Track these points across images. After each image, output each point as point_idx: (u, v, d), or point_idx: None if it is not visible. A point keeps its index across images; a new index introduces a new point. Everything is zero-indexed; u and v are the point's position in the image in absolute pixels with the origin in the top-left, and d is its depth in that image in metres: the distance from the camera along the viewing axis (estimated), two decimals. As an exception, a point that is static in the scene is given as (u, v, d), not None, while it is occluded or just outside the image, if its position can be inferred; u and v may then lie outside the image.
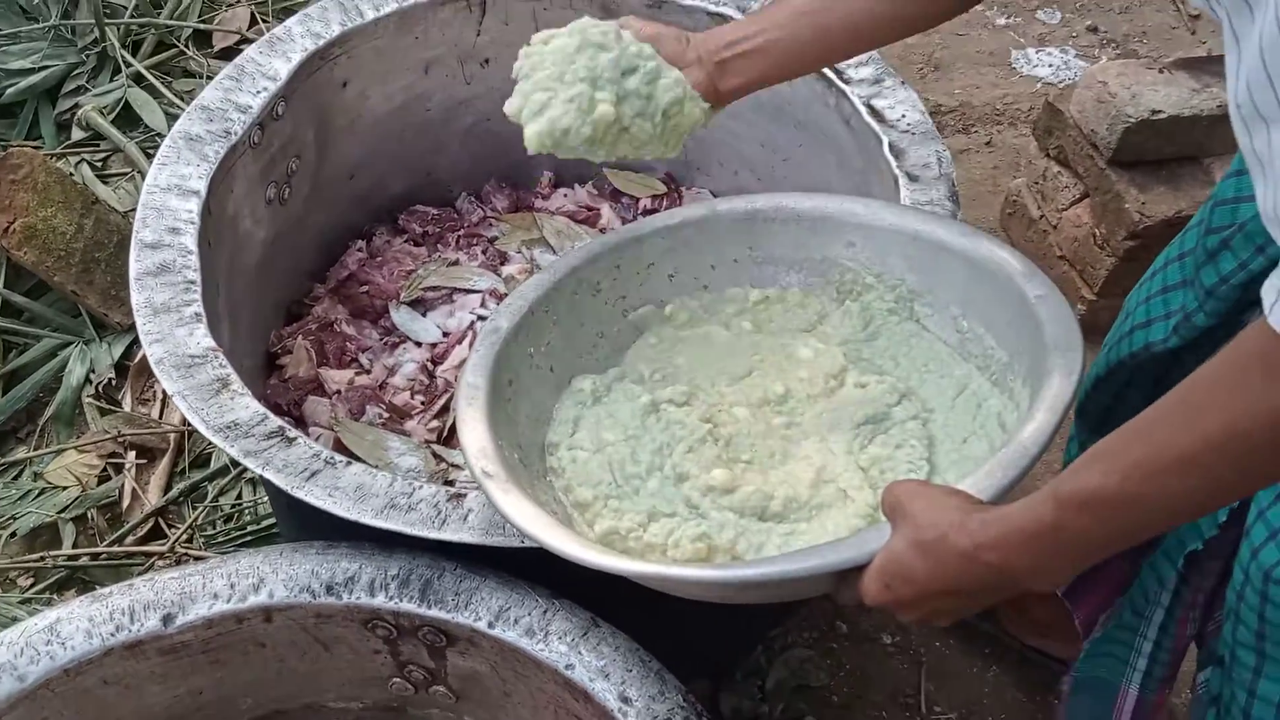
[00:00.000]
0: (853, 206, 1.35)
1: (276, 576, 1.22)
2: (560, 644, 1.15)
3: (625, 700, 1.12)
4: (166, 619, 1.20)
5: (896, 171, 1.50)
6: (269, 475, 1.21)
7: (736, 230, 1.38)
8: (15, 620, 1.64)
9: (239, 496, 1.95)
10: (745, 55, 1.19)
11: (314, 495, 1.20)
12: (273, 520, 1.89)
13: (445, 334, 1.79)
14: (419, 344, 1.79)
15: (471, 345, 1.72)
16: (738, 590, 1.03)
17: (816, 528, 1.14)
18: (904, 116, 1.57)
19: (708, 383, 1.31)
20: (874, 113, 1.58)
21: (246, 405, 1.28)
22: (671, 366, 1.34)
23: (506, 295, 1.81)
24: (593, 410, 1.29)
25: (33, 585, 1.86)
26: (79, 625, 1.19)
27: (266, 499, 1.92)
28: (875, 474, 1.17)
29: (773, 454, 1.22)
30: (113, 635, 1.19)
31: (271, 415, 1.27)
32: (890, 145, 1.53)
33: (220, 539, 1.89)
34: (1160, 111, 2.02)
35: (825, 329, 1.36)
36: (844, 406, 1.25)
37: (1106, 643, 1.30)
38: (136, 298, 1.36)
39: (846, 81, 1.62)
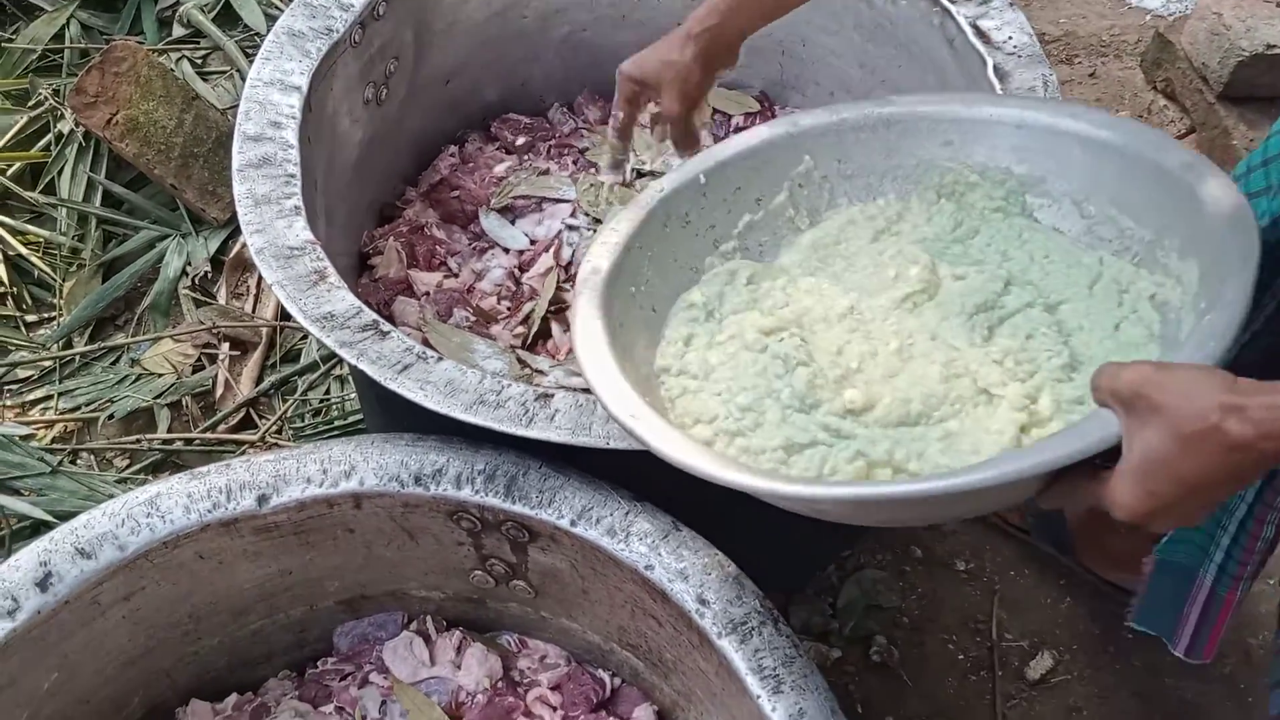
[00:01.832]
0: (948, 103, 1.29)
1: (367, 465, 1.25)
2: (640, 545, 1.17)
3: (703, 602, 1.14)
4: (261, 499, 1.24)
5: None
6: (363, 366, 1.24)
7: (823, 144, 1.32)
8: (113, 498, 1.70)
9: (327, 392, 2.00)
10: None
11: (406, 388, 1.22)
12: (359, 416, 1.93)
13: (533, 241, 1.81)
14: (507, 250, 1.81)
15: (557, 253, 1.74)
16: (949, 504, 0.97)
17: (973, 426, 1.07)
18: (1010, 39, 1.54)
19: (809, 303, 1.24)
20: (980, 34, 1.55)
21: (343, 298, 1.31)
22: (769, 293, 1.27)
23: (590, 211, 1.83)
24: (705, 327, 1.23)
25: (129, 466, 1.93)
26: (178, 500, 1.24)
27: (354, 395, 1.97)
28: (1012, 366, 1.10)
29: (889, 362, 1.16)
30: (209, 512, 1.23)
31: (366, 309, 1.30)
32: (995, 68, 1.50)
33: (308, 432, 1.94)
34: (1276, 46, 1.95)
35: (901, 227, 1.30)
36: (948, 301, 1.19)
37: (1189, 529, 1.29)
38: (239, 189, 1.38)
39: (953, 1, 1.58)
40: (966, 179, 1.28)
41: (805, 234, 1.32)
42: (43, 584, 1.18)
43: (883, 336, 1.18)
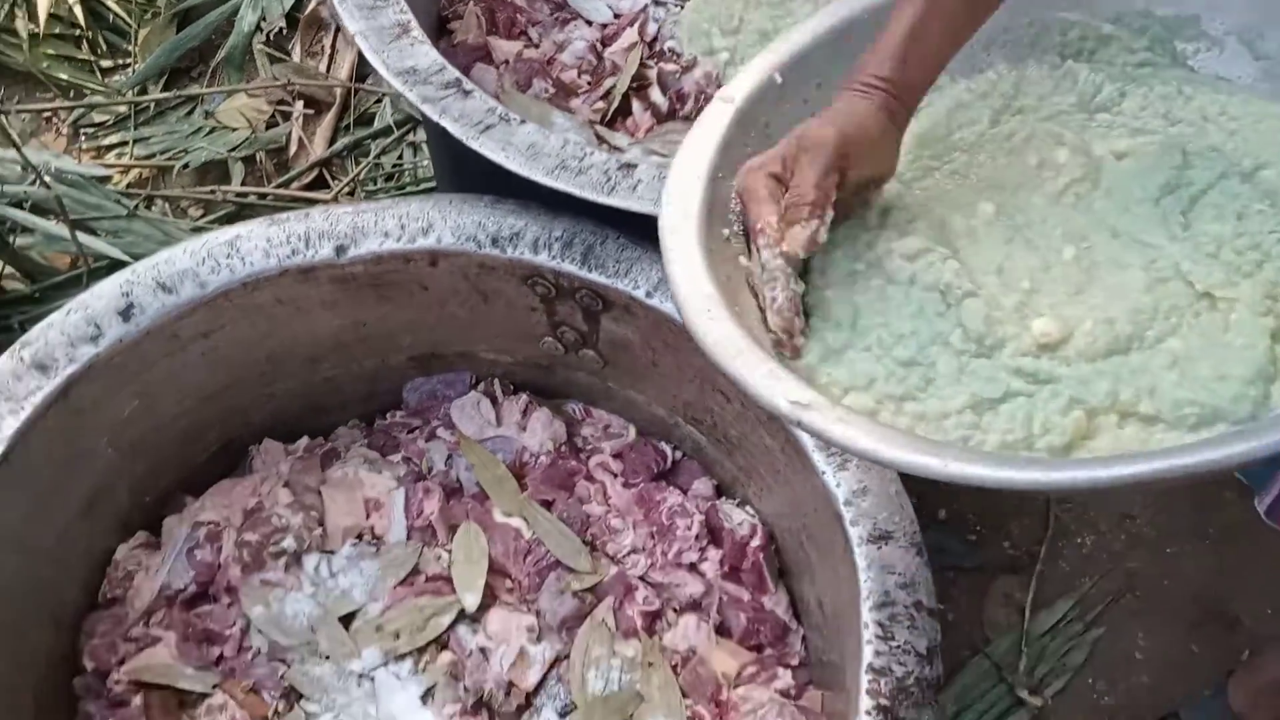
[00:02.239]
0: None
1: (445, 223, 1.25)
2: (714, 320, 1.17)
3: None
4: (339, 249, 1.25)
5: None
6: (445, 124, 1.22)
7: None
8: (188, 245, 1.73)
9: (400, 158, 1.99)
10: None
11: (488, 148, 1.21)
12: (432, 185, 1.93)
13: (617, 15, 1.75)
14: (589, 23, 1.75)
15: (641, 29, 1.68)
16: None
17: (1204, 343, 0.87)
18: None
19: (941, 213, 1.00)
20: None
21: (426, 53, 1.28)
22: (888, 211, 1.02)
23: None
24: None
25: (202, 216, 1.95)
26: (257, 244, 1.25)
27: (427, 163, 1.96)
28: (1233, 258, 0.90)
29: (1070, 275, 0.93)
30: (289, 257, 1.25)
31: (450, 66, 1.27)
32: None
33: (380, 195, 1.94)
34: None
35: (1023, 102, 1.08)
36: (1119, 186, 0.98)
37: None
38: (324, -68, 1.34)
39: None
40: (1097, 31, 1.08)
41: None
42: (125, 314, 1.20)
43: (1050, 243, 0.95)
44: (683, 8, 1.69)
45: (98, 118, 2.10)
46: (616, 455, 1.38)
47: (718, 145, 1.00)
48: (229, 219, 1.93)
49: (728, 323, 0.87)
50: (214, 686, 1.24)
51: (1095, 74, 1.07)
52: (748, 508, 1.32)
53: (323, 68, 2.11)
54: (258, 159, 2.01)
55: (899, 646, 1.03)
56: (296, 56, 2.13)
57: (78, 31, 2.16)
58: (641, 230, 1.22)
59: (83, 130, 2.09)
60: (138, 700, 1.24)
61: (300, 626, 1.26)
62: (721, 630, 1.28)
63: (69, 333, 1.18)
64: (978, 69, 1.09)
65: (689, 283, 0.90)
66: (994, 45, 1.09)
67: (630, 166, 1.20)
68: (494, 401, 1.41)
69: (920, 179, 1.04)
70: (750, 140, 1.02)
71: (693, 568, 1.30)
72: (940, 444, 0.83)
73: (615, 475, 1.37)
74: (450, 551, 1.31)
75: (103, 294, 1.21)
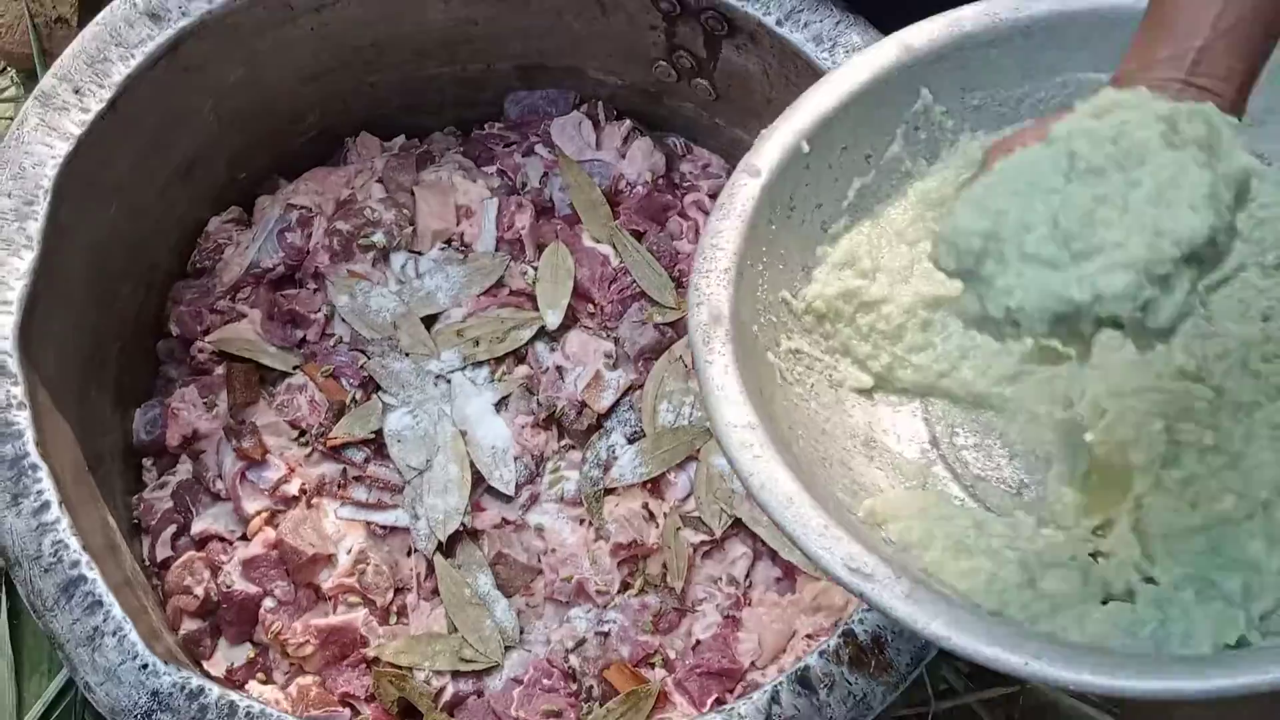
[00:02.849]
0: None
1: (573, -78, 1.19)
2: (847, 58, 1.12)
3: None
4: (459, -63, 1.20)
5: None
6: None
7: (943, 71, 0.96)
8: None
9: None
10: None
11: None
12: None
13: None
14: None
15: None
16: None
17: None
18: None
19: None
20: None
21: None
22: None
23: None
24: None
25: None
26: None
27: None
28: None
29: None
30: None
31: None
32: None
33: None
34: None
35: None
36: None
37: None
38: None
39: None
40: None
41: (915, 182, 0.99)
42: (239, -22, 1.17)
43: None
44: None
45: None
46: (713, 196, 1.36)
47: (745, 230, 0.91)
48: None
49: (775, 462, 0.79)
50: (295, 368, 1.27)
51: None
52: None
53: None
54: None
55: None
56: None
57: None
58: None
59: None
60: (219, 370, 1.26)
61: (383, 321, 1.27)
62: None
63: (183, -15, 1.15)
64: (1005, 124, 0.97)
65: (728, 406, 0.82)
66: (1024, 104, 0.97)
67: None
68: (596, 124, 1.37)
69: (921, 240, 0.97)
70: (775, 217, 0.93)
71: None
72: (1021, 635, 0.74)
73: (708, 215, 1.34)
74: (536, 269, 1.30)
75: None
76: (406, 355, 1.27)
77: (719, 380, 0.83)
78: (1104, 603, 0.79)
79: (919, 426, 0.96)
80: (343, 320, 1.28)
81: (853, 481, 0.88)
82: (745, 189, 0.93)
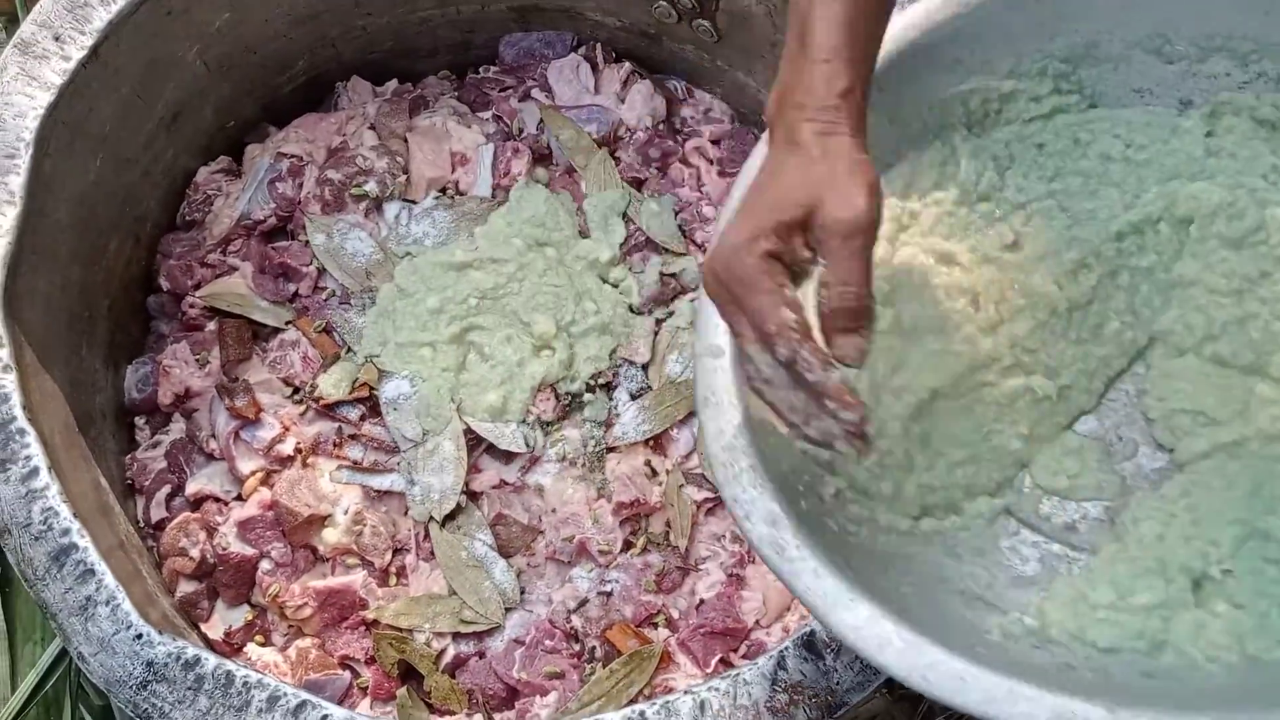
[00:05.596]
0: None
1: None
2: None
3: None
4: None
5: None
6: None
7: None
8: None
9: None
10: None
11: None
12: None
13: None
14: None
15: None
16: None
17: None
18: None
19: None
20: None
21: None
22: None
23: None
24: None
25: None
26: None
27: None
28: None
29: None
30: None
31: None
32: None
33: None
34: None
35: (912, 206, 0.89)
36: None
37: None
38: None
39: None
40: (998, 91, 0.91)
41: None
42: (219, -84, 1.12)
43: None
44: None
45: None
46: (715, 142, 1.32)
47: (742, 416, 0.79)
48: None
49: (927, 644, 0.70)
50: (287, 323, 1.24)
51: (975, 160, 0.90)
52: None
53: None
54: None
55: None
56: None
57: None
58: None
59: None
60: (211, 326, 1.24)
61: (358, 266, 1.23)
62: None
63: (163, -74, 1.10)
64: (886, 163, 0.88)
65: (844, 612, 0.72)
66: (902, 142, 0.89)
67: None
68: (594, 67, 1.33)
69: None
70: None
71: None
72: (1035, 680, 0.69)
73: (711, 162, 1.30)
74: (534, 217, 1.27)
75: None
76: (396, 308, 1.23)
77: (815, 587, 0.73)
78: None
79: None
80: (332, 275, 1.24)
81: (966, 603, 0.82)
82: (716, 375, 0.81)
